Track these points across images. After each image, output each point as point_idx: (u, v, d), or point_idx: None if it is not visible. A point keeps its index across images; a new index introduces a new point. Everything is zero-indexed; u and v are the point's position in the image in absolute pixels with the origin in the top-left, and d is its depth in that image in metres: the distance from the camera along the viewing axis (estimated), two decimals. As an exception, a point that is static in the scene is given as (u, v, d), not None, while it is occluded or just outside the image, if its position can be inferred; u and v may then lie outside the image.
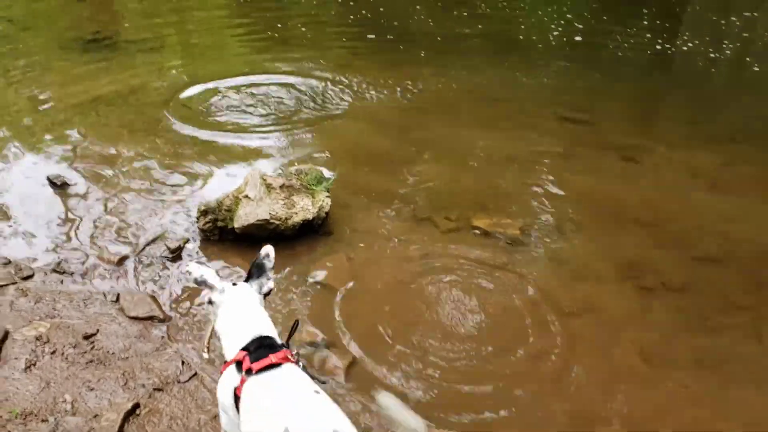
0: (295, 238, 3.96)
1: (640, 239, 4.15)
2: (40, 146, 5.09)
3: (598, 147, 5.32)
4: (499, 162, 5.08)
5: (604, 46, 7.83)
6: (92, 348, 3.12)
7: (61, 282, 3.65)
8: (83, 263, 3.80)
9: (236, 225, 3.91)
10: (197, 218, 4.07)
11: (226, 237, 3.99)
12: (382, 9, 8.83)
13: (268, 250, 2.31)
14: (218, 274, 2.29)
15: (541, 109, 6.08)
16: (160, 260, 3.84)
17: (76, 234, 4.06)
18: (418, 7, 9.04)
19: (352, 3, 9.13)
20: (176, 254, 3.89)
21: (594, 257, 3.99)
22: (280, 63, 6.83)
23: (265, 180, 4.08)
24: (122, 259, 3.83)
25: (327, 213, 4.09)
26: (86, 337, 3.19)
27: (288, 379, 1.90)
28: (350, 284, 3.63)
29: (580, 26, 8.47)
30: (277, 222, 3.91)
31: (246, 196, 3.98)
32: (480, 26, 8.27)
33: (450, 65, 7.03)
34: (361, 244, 3.97)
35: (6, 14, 8.04)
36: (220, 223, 3.99)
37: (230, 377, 1.98)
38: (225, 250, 3.94)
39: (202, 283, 2.18)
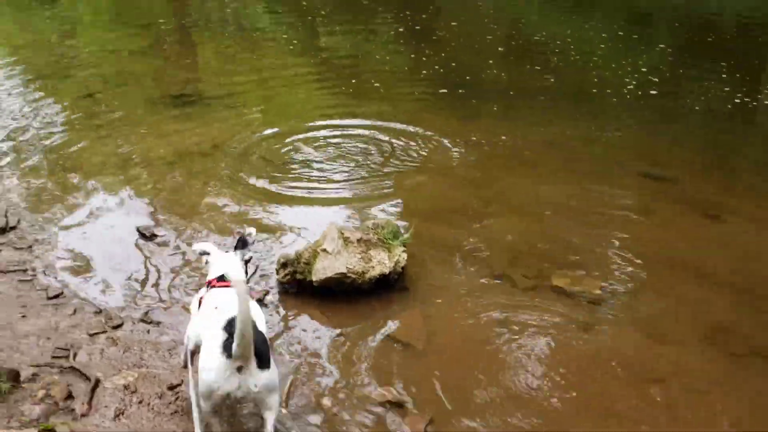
0: (371, 292, 4.00)
1: (727, 302, 4.00)
2: (127, 198, 5.33)
3: (679, 203, 5.20)
4: (575, 217, 5.02)
5: (681, 100, 7.71)
6: (177, 399, 3.21)
7: (148, 332, 3.78)
8: (169, 313, 3.93)
9: (314, 278, 3.98)
10: (277, 270, 4.17)
11: (304, 290, 4.06)
12: (453, 64, 8.96)
13: (251, 230, 3.43)
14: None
15: (618, 163, 6.01)
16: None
17: (162, 284, 4.22)
18: (490, 62, 9.14)
19: (424, 59, 9.31)
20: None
21: (677, 319, 3.87)
22: (354, 117, 6.99)
23: (342, 234, 4.15)
24: (205, 309, 3.94)
25: (403, 268, 4.12)
26: (171, 388, 3.28)
27: (227, 292, 2.83)
28: (426, 342, 3.62)
29: (656, 79, 8.37)
30: (354, 276, 3.96)
31: (324, 250, 4.06)
32: (553, 80, 8.28)
33: (523, 118, 7.05)
34: (438, 301, 3.97)
35: (100, 72, 8.55)
36: (298, 276, 4.07)
37: (201, 292, 3.17)
38: (304, 303, 4.01)
39: (203, 253, 3.31)
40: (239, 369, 2.50)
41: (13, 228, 4.82)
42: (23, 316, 3.85)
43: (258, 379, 2.54)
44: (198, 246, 3.33)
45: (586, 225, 4.89)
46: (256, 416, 2.83)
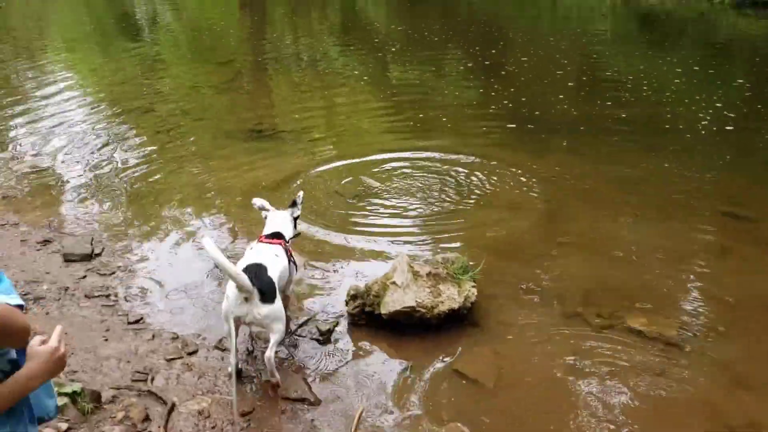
0: (440, 327, 3.99)
1: (815, 347, 3.82)
2: (203, 227, 5.51)
3: (760, 244, 5.01)
4: (650, 256, 4.90)
5: (759, 136, 7.45)
6: (248, 425, 3.27)
7: (222, 359, 3.88)
8: (241, 342, 4.02)
9: (383, 311, 4.01)
10: (346, 302, 4.22)
11: (373, 322, 4.09)
12: (523, 98, 8.96)
13: (300, 193, 4.36)
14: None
15: (693, 200, 5.84)
16: (311, 342, 4.00)
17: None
18: (560, 96, 9.08)
19: (493, 93, 9.34)
20: (326, 337, 4.03)
21: (760, 365, 3.71)
22: (423, 150, 7.05)
23: (412, 267, 4.18)
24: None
25: (472, 303, 4.10)
26: (243, 415, 3.35)
27: (268, 247, 3.84)
28: (495, 379, 3.59)
29: (732, 115, 8.13)
30: (423, 310, 3.97)
31: (393, 283, 4.09)
32: (624, 115, 8.16)
33: (594, 154, 6.96)
34: (508, 338, 3.93)
35: (180, 107, 8.94)
36: (368, 308, 4.11)
37: (251, 245, 4.08)
38: (372, 335, 4.04)
39: (261, 208, 4.21)
40: (246, 299, 3.36)
41: (98, 255, 5.06)
42: (105, 340, 4.02)
43: (260, 309, 3.39)
44: (257, 201, 4.25)
45: (661, 264, 4.77)
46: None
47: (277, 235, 3.99)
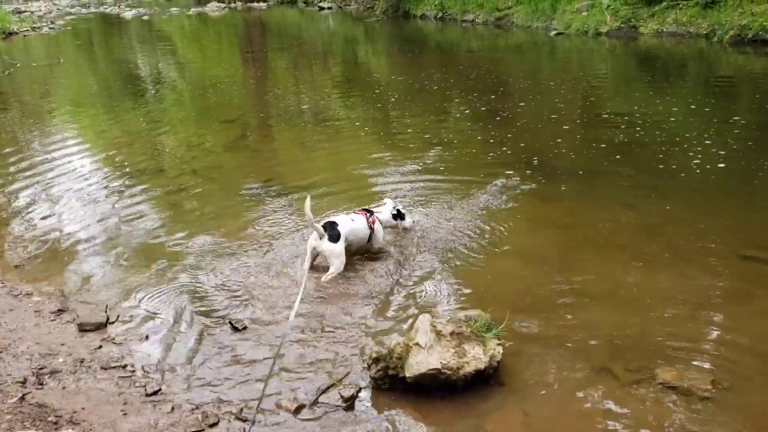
0: (467, 387, 3.90)
1: None
2: (218, 289, 5.45)
3: (785, 288, 4.93)
4: (670, 303, 4.82)
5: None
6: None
7: (244, 430, 3.78)
8: (263, 410, 3.93)
9: (408, 374, 3.92)
10: (368, 366, 4.13)
11: (397, 385, 4.00)
12: (522, 144, 8.98)
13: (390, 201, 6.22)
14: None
15: (709, 243, 5.77)
16: (334, 409, 3.90)
17: (251, 380, 4.24)
18: (560, 141, 9.09)
19: (491, 141, 9.38)
20: (349, 403, 3.93)
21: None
22: (426, 200, 7.05)
23: (434, 326, 4.10)
24: (299, 408, 3.92)
25: (498, 362, 4.01)
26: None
27: (351, 215, 5.77)
28: (528, 441, 3.49)
29: (740, 153, 8.12)
30: (449, 372, 3.88)
31: (416, 344, 4.01)
32: (627, 157, 8.15)
33: (601, 199, 6.92)
34: (537, 397, 3.83)
35: (192, 166, 8.97)
36: (391, 371, 4.02)
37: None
38: (397, 400, 3.94)
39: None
40: (320, 238, 5.34)
41: (112, 323, 5.00)
42: (124, 414, 3.93)
43: (326, 246, 5.37)
44: (387, 202, 6.13)
45: (684, 311, 4.68)
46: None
47: (366, 210, 5.86)
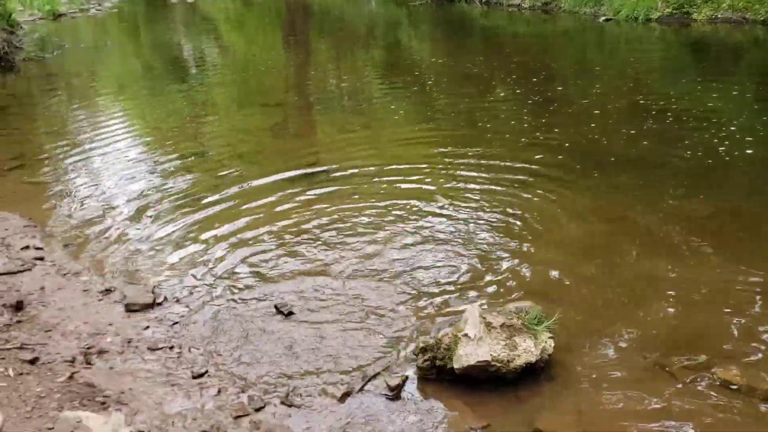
0: (517, 381, 3.81)
1: None
2: (264, 274, 5.43)
3: None
4: (730, 299, 4.64)
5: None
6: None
7: (289, 416, 3.75)
8: (309, 396, 3.90)
9: (456, 365, 3.85)
10: (416, 355, 4.07)
11: (444, 376, 3.93)
12: (568, 133, 8.76)
13: None
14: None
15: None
16: (380, 397, 3.85)
17: (299, 363, 4.22)
18: (607, 130, 8.84)
19: (536, 127, 9.18)
20: (396, 392, 3.88)
21: None
22: (470, 185, 6.93)
23: (484, 318, 4.01)
24: (345, 395, 3.88)
25: (549, 355, 3.91)
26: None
27: None
28: (582, 439, 3.38)
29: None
30: (499, 364, 3.79)
31: (465, 335, 3.93)
32: (678, 148, 7.90)
33: (653, 192, 6.67)
34: (590, 393, 3.72)
35: (235, 149, 8.98)
36: (438, 362, 3.95)
37: None
38: (444, 390, 3.87)
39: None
40: None
41: (159, 304, 5.02)
42: (171, 396, 3.93)
43: None
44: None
45: (745, 310, 4.50)
46: None
47: None
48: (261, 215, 6.57)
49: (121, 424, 3.40)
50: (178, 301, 5.09)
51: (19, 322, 4.65)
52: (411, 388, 3.93)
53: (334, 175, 7.68)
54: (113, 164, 8.65)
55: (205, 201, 7.11)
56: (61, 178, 8.13)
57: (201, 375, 4.14)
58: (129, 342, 4.52)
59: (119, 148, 9.38)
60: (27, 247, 5.93)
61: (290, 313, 4.74)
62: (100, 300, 5.14)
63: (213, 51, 19.10)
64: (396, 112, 10.84)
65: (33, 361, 4.12)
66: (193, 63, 17.22)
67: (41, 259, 5.77)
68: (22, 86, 13.99)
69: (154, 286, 5.23)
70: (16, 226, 6.42)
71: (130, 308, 4.96)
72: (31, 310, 4.86)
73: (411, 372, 4.04)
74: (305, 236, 6.03)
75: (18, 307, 4.78)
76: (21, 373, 3.96)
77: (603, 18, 18.50)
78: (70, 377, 4.01)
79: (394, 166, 7.82)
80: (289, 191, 7.21)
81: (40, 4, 21.97)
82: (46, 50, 16.37)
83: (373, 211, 6.52)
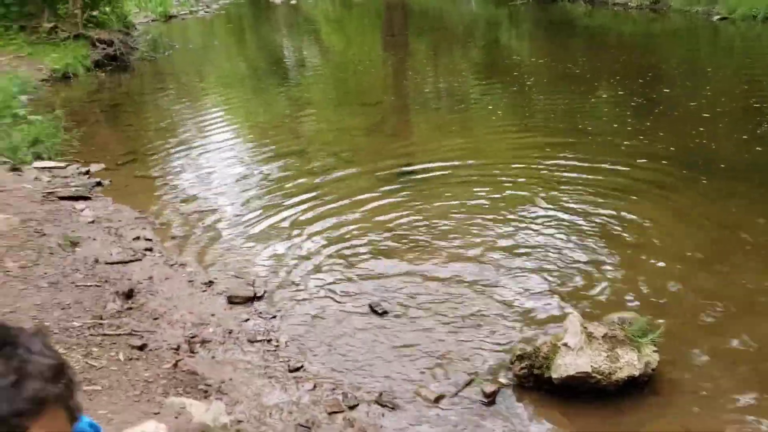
0: (618, 394, 3.67)
1: None
2: (360, 272, 5.48)
3: None
4: None
5: None
6: None
7: (382, 415, 3.76)
8: (402, 397, 3.89)
9: (554, 375, 3.74)
10: (512, 362, 3.99)
11: (542, 385, 3.83)
12: (675, 136, 8.34)
13: None
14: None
15: None
16: (475, 403, 3.80)
17: (389, 366, 4.22)
18: (718, 134, 8.39)
19: (640, 130, 8.79)
20: (491, 399, 3.81)
21: None
22: (572, 190, 6.72)
23: (585, 328, 3.88)
24: (439, 398, 3.85)
25: (654, 369, 3.74)
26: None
27: None
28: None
29: None
30: (599, 377, 3.66)
31: (565, 344, 3.81)
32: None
33: (761, 197, 6.29)
34: (697, 411, 3.54)
35: (333, 149, 9.12)
36: (536, 371, 3.85)
37: None
38: (541, 399, 3.78)
39: None
40: None
41: (259, 298, 5.15)
42: (268, 388, 4.03)
43: None
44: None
45: None
46: None
47: None
48: (357, 214, 6.64)
49: (221, 412, 3.50)
50: (276, 295, 5.21)
51: (129, 309, 4.89)
52: (506, 396, 3.85)
53: (429, 175, 7.66)
54: (217, 160, 8.97)
55: (301, 198, 7.25)
56: (169, 173, 8.51)
57: (297, 369, 4.22)
58: (230, 333, 4.67)
59: (222, 145, 9.73)
60: (138, 238, 6.23)
61: (384, 313, 4.76)
62: (203, 291, 5.33)
63: (313, 51, 19.52)
64: (494, 113, 10.69)
65: (141, 347, 4.31)
66: (295, 63, 17.67)
67: (150, 249, 6.05)
68: (135, 85, 14.76)
69: (254, 280, 5.38)
70: (128, 217, 6.77)
71: (232, 300, 5.12)
72: (141, 299, 5.10)
73: (507, 379, 3.97)
74: (400, 236, 6.04)
75: (129, 295, 5.03)
76: (130, 358, 4.16)
77: (717, 17, 17.56)
78: (175, 365, 4.18)
79: (490, 168, 7.71)
80: (384, 190, 7.25)
81: (153, 7, 23.09)
82: (157, 50, 17.19)
83: (469, 213, 6.45)
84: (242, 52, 20.28)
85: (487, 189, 7.07)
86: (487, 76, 13.88)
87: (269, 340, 4.56)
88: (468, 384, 3.93)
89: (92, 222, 6.39)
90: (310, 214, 6.75)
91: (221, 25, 25.07)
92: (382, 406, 3.85)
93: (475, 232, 6.02)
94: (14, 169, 7.45)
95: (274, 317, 4.86)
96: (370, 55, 18.14)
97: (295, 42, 21.31)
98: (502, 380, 3.95)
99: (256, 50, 20.55)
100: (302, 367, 4.24)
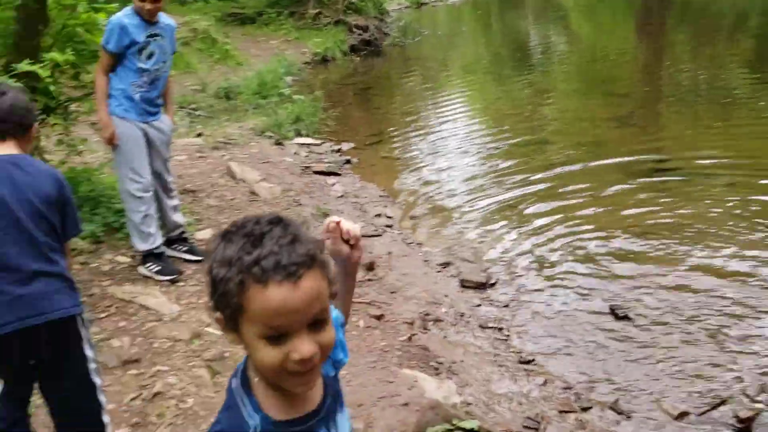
0: None
1: None
2: (599, 269, 5.22)
3: None
4: None
5: None
6: None
7: (617, 422, 3.55)
8: (641, 407, 3.65)
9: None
10: (773, 389, 3.54)
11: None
12: None
13: None
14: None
15: None
16: (725, 427, 3.43)
17: (624, 373, 3.97)
18: None
19: None
20: (745, 426, 3.41)
21: None
22: None
23: None
24: (682, 414, 3.54)
25: None
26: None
27: None
28: None
29: None
30: None
31: None
32: None
33: None
34: None
35: (577, 139, 8.75)
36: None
37: None
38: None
39: None
40: None
41: (492, 285, 5.14)
42: (498, 376, 4.00)
43: None
44: None
45: None
46: None
47: None
48: (597, 208, 6.33)
49: (452, 392, 3.55)
50: (508, 284, 5.16)
51: (369, 280, 5.15)
52: (763, 424, 3.42)
53: (681, 171, 7.06)
54: (455, 146, 9.10)
55: (539, 188, 7.07)
56: (410, 155, 8.82)
57: (528, 362, 4.14)
58: (461, 316, 4.72)
59: (461, 131, 9.84)
60: (379, 215, 6.55)
61: (625, 317, 4.48)
62: (438, 272, 5.45)
63: (561, 39, 18.94)
64: (764, 109, 9.52)
65: (379, 317, 4.52)
66: (539, 50, 17.31)
67: (390, 227, 6.33)
68: (385, 69, 15.50)
69: (487, 267, 5.38)
70: (372, 195, 7.14)
71: (465, 284, 5.17)
72: (380, 272, 5.34)
73: (766, 406, 3.52)
74: (644, 235, 5.65)
75: (370, 267, 5.30)
76: (368, 327, 4.38)
77: None
78: (409, 338, 4.32)
79: (753, 168, 6.89)
80: (629, 185, 6.81)
81: (407, -7, 24.06)
82: (407, 36, 17.85)
83: (726, 215, 5.84)
84: (488, 39, 20.34)
85: (747, 190, 6.33)
86: (758, 69, 12.40)
87: (500, 329, 4.53)
88: (719, 405, 3.56)
89: (341, 196, 6.83)
90: (546, 206, 6.57)
91: (470, 12, 25.36)
92: (618, 413, 3.64)
93: (731, 238, 5.42)
94: (278, 144, 8.21)
95: (506, 306, 4.82)
96: (623, 43, 17.14)
97: (542, 29, 20.86)
98: (761, 406, 3.51)
99: (503, 37, 20.47)
100: (533, 360, 4.16)
